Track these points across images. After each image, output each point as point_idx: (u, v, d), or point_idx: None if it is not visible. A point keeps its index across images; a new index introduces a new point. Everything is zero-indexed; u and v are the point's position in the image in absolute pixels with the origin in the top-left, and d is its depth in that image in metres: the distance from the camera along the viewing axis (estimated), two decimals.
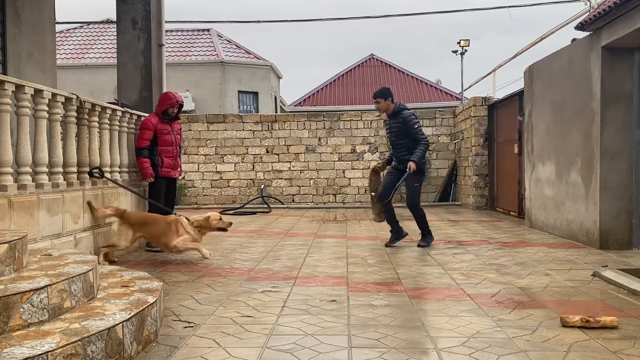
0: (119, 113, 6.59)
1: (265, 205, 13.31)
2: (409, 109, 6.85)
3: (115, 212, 5.92)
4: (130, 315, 2.96)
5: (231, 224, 6.11)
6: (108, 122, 6.32)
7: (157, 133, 6.75)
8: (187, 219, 5.97)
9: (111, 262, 5.67)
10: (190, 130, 14.42)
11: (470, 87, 25.19)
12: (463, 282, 4.78)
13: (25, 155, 4.77)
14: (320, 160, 14.46)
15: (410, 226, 9.21)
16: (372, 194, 7.23)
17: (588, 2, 13.90)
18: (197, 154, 14.42)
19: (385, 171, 7.32)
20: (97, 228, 5.92)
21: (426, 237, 6.94)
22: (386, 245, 6.88)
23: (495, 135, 12.10)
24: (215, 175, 14.51)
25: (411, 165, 6.54)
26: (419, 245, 6.78)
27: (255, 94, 22.71)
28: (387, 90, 6.94)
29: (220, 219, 6.02)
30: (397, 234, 6.96)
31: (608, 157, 6.45)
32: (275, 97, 24.91)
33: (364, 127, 14.52)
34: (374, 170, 7.41)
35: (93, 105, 5.96)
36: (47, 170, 5.11)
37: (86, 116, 5.85)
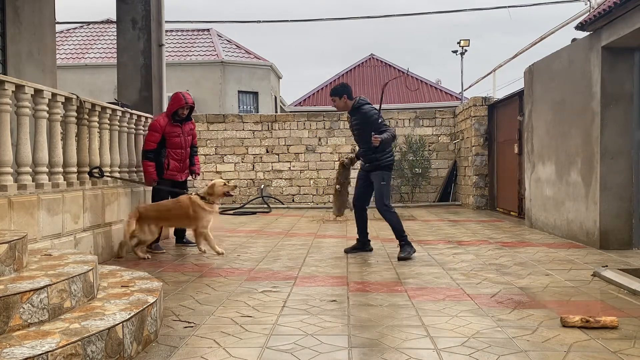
0: (119, 113, 6.59)
1: (265, 205, 13.31)
2: (369, 104, 6.23)
3: (135, 216, 6.13)
4: (130, 315, 2.96)
5: (235, 186, 6.49)
6: (108, 122, 6.32)
7: (165, 135, 6.61)
8: (199, 196, 6.22)
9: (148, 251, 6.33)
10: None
11: (470, 87, 25.19)
12: (463, 282, 4.78)
13: (25, 155, 4.77)
14: (321, 160, 14.47)
15: (412, 226, 9.23)
16: (337, 187, 6.67)
17: (588, 2, 13.90)
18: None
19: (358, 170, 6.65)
20: (97, 228, 5.92)
21: (405, 247, 6.06)
22: (345, 251, 6.41)
23: (495, 135, 12.11)
24: (215, 175, 14.50)
25: (375, 139, 5.89)
26: (399, 259, 5.91)
27: (255, 94, 22.72)
28: (341, 86, 6.32)
29: (225, 184, 6.26)
30: (362, 245, 6.44)
31: (608, 157, 6.45)
32: (275, 97, 24.91)
33: None
34: (342, 164, 6.70)
35: (93, 105, 5.96)
36: (47, 170, 5.10)
37: (86, 116, 5.85)
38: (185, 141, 6.79)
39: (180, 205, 6.21)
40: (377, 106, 6.21)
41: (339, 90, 6.25)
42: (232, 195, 6.50)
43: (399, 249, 6.09)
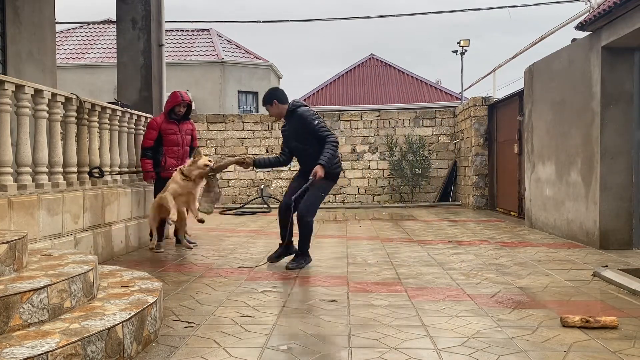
0: (119, 113, 6.59)
1: (265, 205, 13.30)
2: (306, 105, 5.65)
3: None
4: (130, 315, 2.96)
5: (219, 168, 5.95)
6: (108, 122, 6.32)
7: (162, 133, 6.67)
8: (181, 171, 5.97)
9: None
10: None
11: (470, 87, 25.16)
12: (463, 282, 4.78)
13: (25, 155, 4.77)
14: None
15: (411, 226, 9.23)
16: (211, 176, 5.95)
17: (588, 2, 13.90)
18: None
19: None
20: (97, 228, 5.92)
21: (299, 257, 5.58)
22: (269, 260, 5.77)
23: (495, 135, 12.11)
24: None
25: (317, 171, 5.26)
26: (287, 268, 5.44)
27: (255, 94, 22.71)
28: (271, 92, 5.74)
29: (210, 161, 5.87)
30: (287, 249, 5.77)
31: (608, 157, 6.45)
32: None
33: (363, 127, 14.53)
34: (242, 162, 5.84)
35: (93, 105, 5.96)
36: (47, 170, 5.10)
37: (86, 116, 5.85)
38: (182, 139, 6.80)
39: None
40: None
41: (268, 96, 5.70)
42: (211, 169, 5.82)
43: (293, 256, 5.69)
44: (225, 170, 14.43)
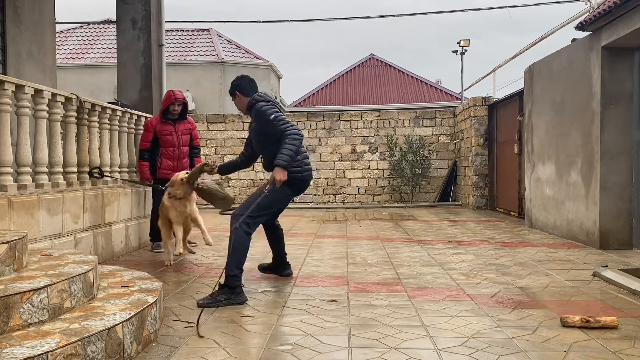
0: (119, 113, 6.59)
1: None
2: (266, 100, 4.66)
3: None
4: (130, 315, 2.96)
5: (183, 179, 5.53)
6: (108, 122, 6.32)
7: (157, 134, 6.55)
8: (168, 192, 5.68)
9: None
10: None
11: (470, 87, 25.11)
12: (463, 282, 4.78)
13: (25, 155, 4.77)
14: (320, 160, 14.46)
15: (411, 226, 9.23)
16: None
17: (588, 2, 13.89)
18: None
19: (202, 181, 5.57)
20: (97, 228, 5.92)
21: (220, 291, 4.15)
22: (259, 268, 5.23)
23: (495, 135, 12.11)
24: (215, 175, 14.48)
25: (276, 174, 4.32)
26: (198, 304, 4.03)
27: None
28: (235, 82, 4.81)
29: (183, 179, 5.49)
30: (277, 266, 5.11)
31: (608, 157, 6.45)
32: (275, 97, 24.91)
33: (363, 127, 14.53)
34: (201, 168, 5.45)
35: (93, 105, 5.96)
36: (47, 170, 5.10)
37: (86, 116, 5.85)
38: (178, 139, 6.64)
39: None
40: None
41: (231, 87, 4.83)
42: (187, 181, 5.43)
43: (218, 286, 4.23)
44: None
